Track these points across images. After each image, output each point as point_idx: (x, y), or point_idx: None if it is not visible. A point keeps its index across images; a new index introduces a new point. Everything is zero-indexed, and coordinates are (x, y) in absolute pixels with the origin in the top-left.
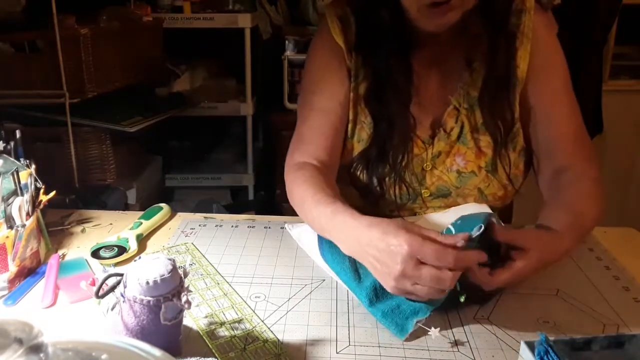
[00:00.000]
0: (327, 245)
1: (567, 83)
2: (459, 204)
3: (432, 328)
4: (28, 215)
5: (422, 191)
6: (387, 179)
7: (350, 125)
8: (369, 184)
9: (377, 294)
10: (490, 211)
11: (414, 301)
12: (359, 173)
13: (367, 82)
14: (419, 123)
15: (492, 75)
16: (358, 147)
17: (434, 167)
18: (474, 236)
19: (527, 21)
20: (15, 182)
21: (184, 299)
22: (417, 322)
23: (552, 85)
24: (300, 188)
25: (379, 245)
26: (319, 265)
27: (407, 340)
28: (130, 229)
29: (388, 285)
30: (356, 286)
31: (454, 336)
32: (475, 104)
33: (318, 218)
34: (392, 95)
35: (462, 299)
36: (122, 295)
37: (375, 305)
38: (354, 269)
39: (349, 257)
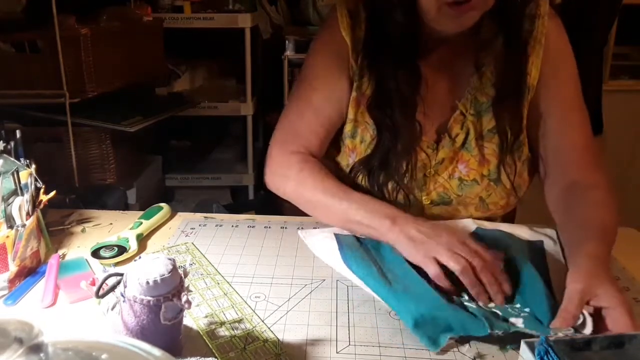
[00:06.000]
0: (349, 253)
1: (578, 90)
2: (459, 212)
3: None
4: (28, 215)
5: (423, 198)
6: (388, 184)
7: (351, 125)
8: (369, 189)
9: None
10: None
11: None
12: (360, 178)
13: (372, 87)
14: (424, 129)
15: (503, 82)
16: (360, 148)
17: (436, 173)
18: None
19: (540, 27)
20: (15, 182)
21: (184, 298)
22: (450, 337)
23: (564, 93)
24: (319, 174)
25: (449, 227)
26: (338, 272)
27: (407, 342)
28: (130, 229)
29: (438, 241)
30: (387, 292)
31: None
32: (482, 110)
33: (359, 201)
34: (398, 105)
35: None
36: (122, 295)
37: (413, 314)
38: (381, 274)
39: (375, 263)
